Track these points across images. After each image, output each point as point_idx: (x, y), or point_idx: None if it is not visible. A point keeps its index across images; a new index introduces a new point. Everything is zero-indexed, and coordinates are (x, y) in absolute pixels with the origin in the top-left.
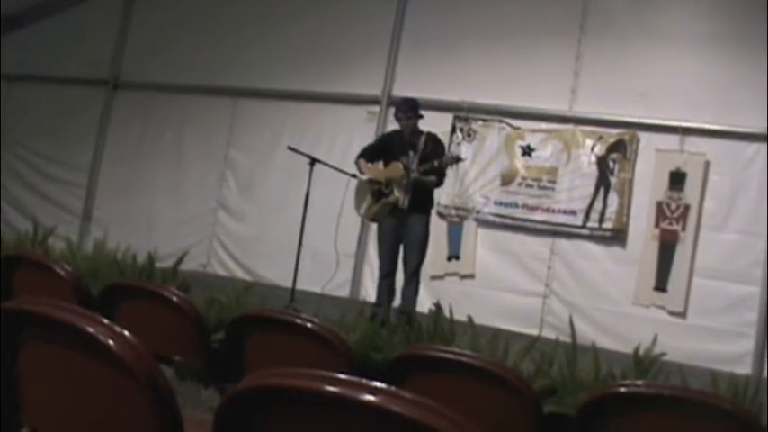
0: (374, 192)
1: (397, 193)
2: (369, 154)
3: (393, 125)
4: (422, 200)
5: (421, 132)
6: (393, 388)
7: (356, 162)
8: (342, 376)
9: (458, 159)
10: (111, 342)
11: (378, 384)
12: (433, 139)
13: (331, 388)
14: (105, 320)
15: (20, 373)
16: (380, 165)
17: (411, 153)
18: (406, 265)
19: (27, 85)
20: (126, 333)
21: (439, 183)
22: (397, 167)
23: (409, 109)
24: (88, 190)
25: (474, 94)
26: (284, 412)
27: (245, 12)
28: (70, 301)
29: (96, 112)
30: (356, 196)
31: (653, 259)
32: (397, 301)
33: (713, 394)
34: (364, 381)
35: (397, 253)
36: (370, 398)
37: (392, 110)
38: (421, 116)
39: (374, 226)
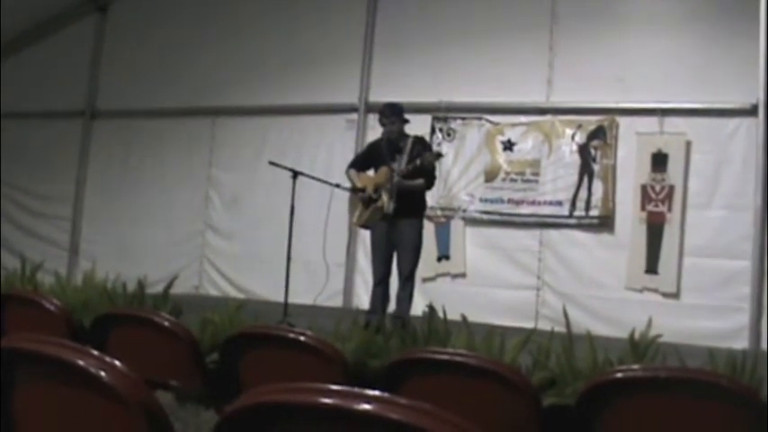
0: (364, 199)
1: (384, 198)
2: (358, 163)
3: (372, 131)
4: (413, 204)
5: (407, 136)
6: (388, 395)
7: (346, 172)
8: (336, 387)
9: (438, 155)
10: (102, 373)
11: (373, 392)
12: (420, 141)
13: (326, 400)
14: (95, 352)
15: (15, 412)
16: (371, 172)
17: (398, 157)
18: (401, 271)
19: (4, 121)
20: (117, 363)
21: (429, 185)
22: (385, 173)
23: (393, 113)
24: (74, 222)
25: (451, 94)
26: (282, 428)
27: (215, 31)
28: (61, 336)
29: (75, 143)
30: (350, 206)
31: (642, 242)
32: (391, 307)
33: (710, 372)
34: (358, 390)
35: (391, 258)
36: (366, 407)
37: (371, 116)
38: (406, 120)
39: (364, 233)
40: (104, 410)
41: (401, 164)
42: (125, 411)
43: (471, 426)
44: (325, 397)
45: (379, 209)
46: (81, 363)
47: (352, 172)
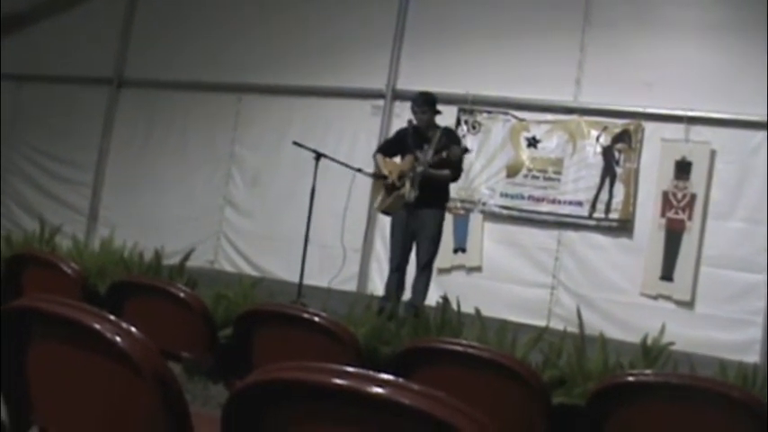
0: (387, 185)
1: (407, 186)
2: (386, 148)
3: (398, 119)
4: (436, 194)
5: (437, 126)
6: (401, 380)
7: (374, 157)
8: (349, 369)
9: (465, 150)
10: (118, 339)
11: (385, 376)
12: (447, 133)
13: (338, 381)
14: (112, 317)
15: (28, 372)
16: (398, 159)
17: (425, 147)
18: (418, 260)
19: (31, 84)
20: (133, 329)
21: (455, 177)
22: (411, 161)
23: (424, 103)
24: (94, 188)
25: (478, 87)
26: (291, 406)
27: (248, 8)
28: (77, 300)
29: (101, 110)
30: (372, 191)
31: (659, 249)
32: (407, 295)
33: (721, 382)
34: (371, 373)
35: (409, 247)
36: (378, 390)
37: (397, 103)
38: (438, 111)
39: (382, 220)
40: (117, 376)
41: (427, 154)
42: (138, 378)
43: (482, 415)
44: (338, 378)
45: (402, 196)
46: (97, 327)
47: (379, 157)
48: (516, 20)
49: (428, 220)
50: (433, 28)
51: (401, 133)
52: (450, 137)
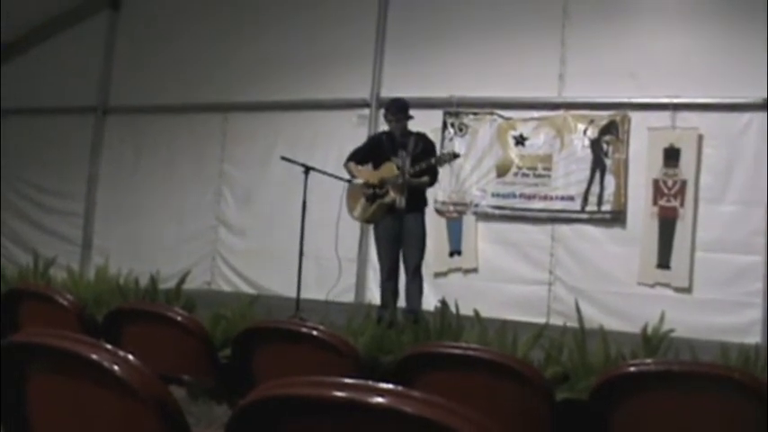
0: (368, 194)
1: (393, 194)
2: (358, 156)
3: (384, 127)
4: (416, 199)
5: (411, 132)
6: (402, 388)
7: (346, 165)
8: (349, 380)
9: (455, 156)
10: (116, 367)
11: (386, 386)
12: (423, 138)
13: (339, 393)
14: (109, 346)
15: (29, 406)
16: (370, 167)
17: (403, 153)
18: (407, 265)
19: (16, 117)
20: (130, 357)
21: (432, 182)
22: (390, 168)
23: (398, 110)
24: (86, 217)
25: (462, 89)
26: (294, 421)
27: (226, 27)
28: (74, 331)
29: (87, 138)
30: (348, 200)
31: (654, 237)
32: (401, 302)
33: (722, 366)
34: (372, 383)
35: (397, 253)
36: (380, 400)
37: (382, 111)
38: (410, 117)
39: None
40: (118, 405)
41: (405, 160)
42: (139, 406)
43: (485, 419)
44: (339, 390)
45: (387, 204)
46: (94, 357)
47: (352, 165)
48: (495, 19)
49: (412, 225)
50: (414, 34)
51: (374, 141)
52: (426, 142)
